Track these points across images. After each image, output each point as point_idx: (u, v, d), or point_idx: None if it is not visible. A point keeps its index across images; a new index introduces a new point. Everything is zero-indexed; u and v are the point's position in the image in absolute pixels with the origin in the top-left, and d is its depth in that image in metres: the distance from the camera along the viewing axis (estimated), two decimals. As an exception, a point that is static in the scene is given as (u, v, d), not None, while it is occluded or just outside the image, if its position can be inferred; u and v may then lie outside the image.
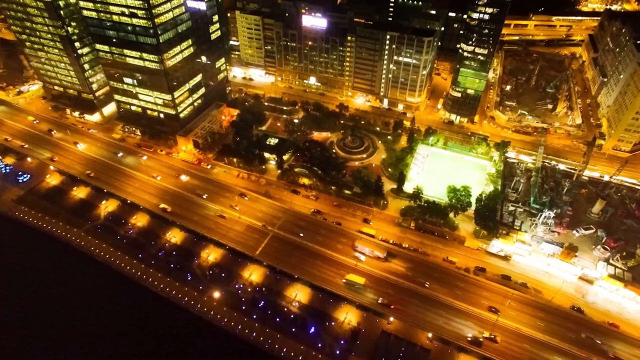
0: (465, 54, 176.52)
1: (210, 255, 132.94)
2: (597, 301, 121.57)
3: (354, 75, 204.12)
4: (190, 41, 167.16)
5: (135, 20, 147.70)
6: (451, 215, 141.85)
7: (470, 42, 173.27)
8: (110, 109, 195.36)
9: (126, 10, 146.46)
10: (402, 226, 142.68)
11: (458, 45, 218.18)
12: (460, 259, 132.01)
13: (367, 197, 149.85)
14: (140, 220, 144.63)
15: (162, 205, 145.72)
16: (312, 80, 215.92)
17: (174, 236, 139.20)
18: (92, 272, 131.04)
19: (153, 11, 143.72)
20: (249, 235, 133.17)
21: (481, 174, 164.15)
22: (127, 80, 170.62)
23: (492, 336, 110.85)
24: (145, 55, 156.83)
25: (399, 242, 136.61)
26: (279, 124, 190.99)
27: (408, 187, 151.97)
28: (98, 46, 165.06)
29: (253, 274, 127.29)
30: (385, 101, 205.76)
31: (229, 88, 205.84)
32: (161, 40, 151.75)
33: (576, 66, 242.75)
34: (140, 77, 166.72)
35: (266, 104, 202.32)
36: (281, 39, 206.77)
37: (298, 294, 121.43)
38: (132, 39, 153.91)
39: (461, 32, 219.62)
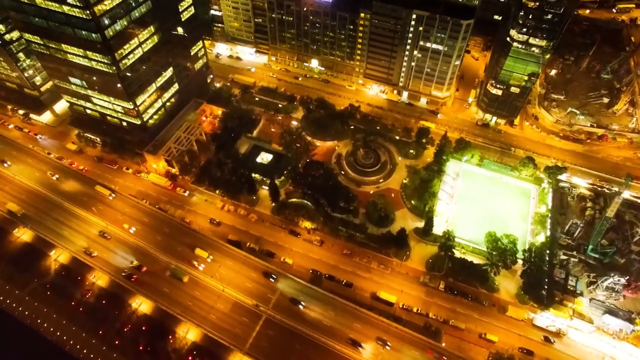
0: (515, 44, 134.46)
1: (189, 332, 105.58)
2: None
3: (367, 61, 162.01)
4: (152, 28, 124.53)
5: (66, 8, 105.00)
6: (491, 274, 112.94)
7: (525, 30, 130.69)
8: (64, 105, 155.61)
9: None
10: (429, 286, 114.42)
11: (496, 17, 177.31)
12: (501, 335, 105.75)
13: (386, 246, 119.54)
14: (100, 278, 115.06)
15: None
16: (314, 63, 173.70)
17: (143, 303, 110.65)
18: (39, 357, 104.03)
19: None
20: (236, 319, 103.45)
21: (524, 202, 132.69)
22: (74, 80, 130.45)
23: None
24: (90, 53, 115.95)
25: (425, 311, 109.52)
26: (273, 129, 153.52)
27: (436, 223, 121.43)
28: (27, 36, 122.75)
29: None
30: (405, 94, 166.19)
31: (211, 76, 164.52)
32: (108, 35, 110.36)
33: (638, 39, 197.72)
34: (89, 78, 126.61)
35: (257, 98, 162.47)
36: (274, 10, 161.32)
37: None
38: (69, 32, 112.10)
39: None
